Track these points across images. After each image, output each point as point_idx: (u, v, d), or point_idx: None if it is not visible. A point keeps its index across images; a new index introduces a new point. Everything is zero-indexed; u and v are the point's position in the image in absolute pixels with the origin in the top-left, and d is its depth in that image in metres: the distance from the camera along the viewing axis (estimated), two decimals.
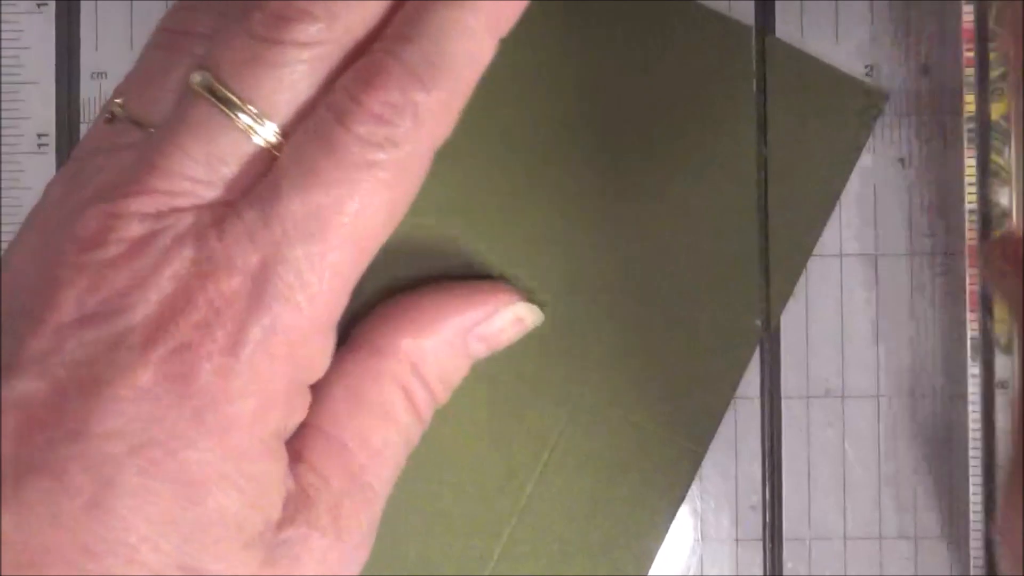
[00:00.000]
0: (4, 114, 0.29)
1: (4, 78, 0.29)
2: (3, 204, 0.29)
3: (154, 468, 0.21)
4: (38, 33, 0.29)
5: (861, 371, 0.29)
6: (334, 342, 0.23)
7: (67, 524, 0.21)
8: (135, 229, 0.22)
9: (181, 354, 0.21)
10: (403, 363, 0.26)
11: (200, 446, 0.21)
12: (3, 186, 0.29)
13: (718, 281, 0.28)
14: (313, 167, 0.22)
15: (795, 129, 0.29)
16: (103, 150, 0.24)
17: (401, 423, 0.25)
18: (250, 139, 0.22)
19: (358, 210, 0.22)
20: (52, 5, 0.29)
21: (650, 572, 0.29)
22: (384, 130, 0.22)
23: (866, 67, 0.29)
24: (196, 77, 0.23)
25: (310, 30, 0.22)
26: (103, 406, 0.21)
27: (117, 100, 0.25)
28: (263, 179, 0.23)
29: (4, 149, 0.29)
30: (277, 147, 0.23)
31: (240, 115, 0.22)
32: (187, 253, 0.22)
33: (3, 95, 0.29)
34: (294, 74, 0.23)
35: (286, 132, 0.23)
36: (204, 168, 0.22)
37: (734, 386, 0.29)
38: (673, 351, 0.28)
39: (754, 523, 0.29)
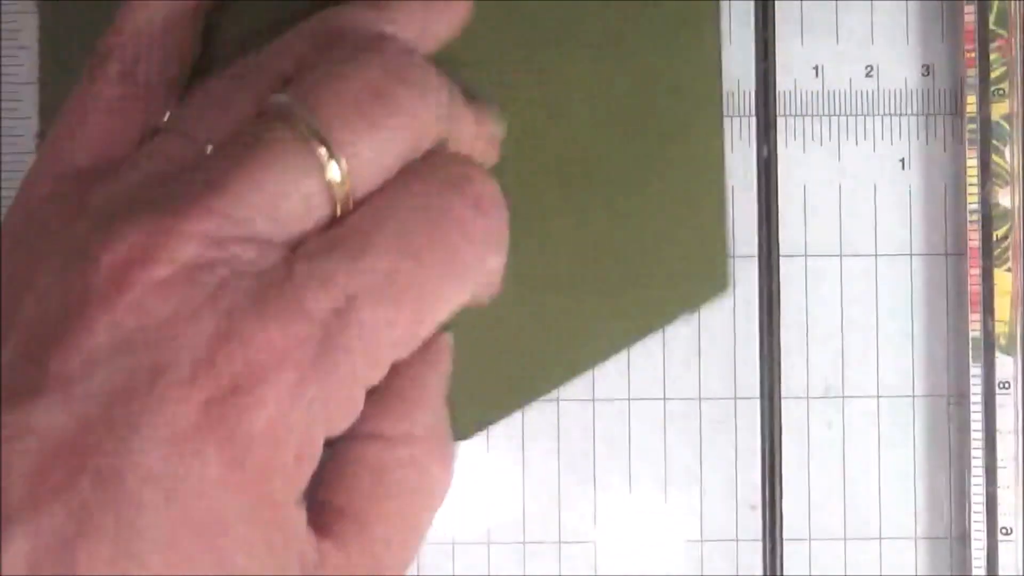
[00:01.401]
0: (4, 114, 0.29)
1: (4, 78, 0.29)
2: (2, 203, 0.29)
3: (186, 517, 0.19)
4: (38, 33, 0.29)
5: (861, 371, 0.29)
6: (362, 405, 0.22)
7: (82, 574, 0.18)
8: (189, 250, 0.20)
9: (231, 397, 0.20)
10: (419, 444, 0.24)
11: (236, 497, 0.20)
12: (2, 186, 0.29)
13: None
14: (415, 239, 0.22)
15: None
16: (145, 156, 0.23)
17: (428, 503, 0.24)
18: (324, 176, 0.21)
19: (440, 299, 0.22)
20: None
21: (650, 573, 0.29)
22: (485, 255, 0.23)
23: (867, 67, 0.29)
24: (281, 98, 0.22)
25: (416, 106, 0.22)
26: (137, 446, 0.19)
27: (166, 118, 0.24)
28: (351, 225, 0.22)
29: (4, 149, 0.29)
30: (344, 197, 0.22)
31: (320, 149, 0.21)
32: (249, 288, 0.20)
33: (3, 95, 0.29)
34: (385, 140, 0.22)
35: (356, 185, 0.22)
36: (272, 200, 0.21)
37: None
38: None
39: (754, 523, 0.29)
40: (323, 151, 0.21)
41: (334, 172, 0.21)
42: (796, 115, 0.29)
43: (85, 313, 0.20)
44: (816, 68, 0.29)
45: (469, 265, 0.23)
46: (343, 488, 0.24)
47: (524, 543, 0.29)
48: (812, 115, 0.29)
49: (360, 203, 0.22)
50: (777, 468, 0.29)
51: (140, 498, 0.19)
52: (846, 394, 0.29)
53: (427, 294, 0.22)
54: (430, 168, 0.23)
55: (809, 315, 0.29)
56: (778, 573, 0.29)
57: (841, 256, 0.29)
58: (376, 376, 0.22)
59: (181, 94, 0.25)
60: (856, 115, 0.29)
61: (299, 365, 0.20)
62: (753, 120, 0.29)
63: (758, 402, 0.29)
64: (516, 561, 0.29)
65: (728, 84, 0.29)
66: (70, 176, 0.24)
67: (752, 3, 0.29)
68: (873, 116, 0.29)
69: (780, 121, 0.29)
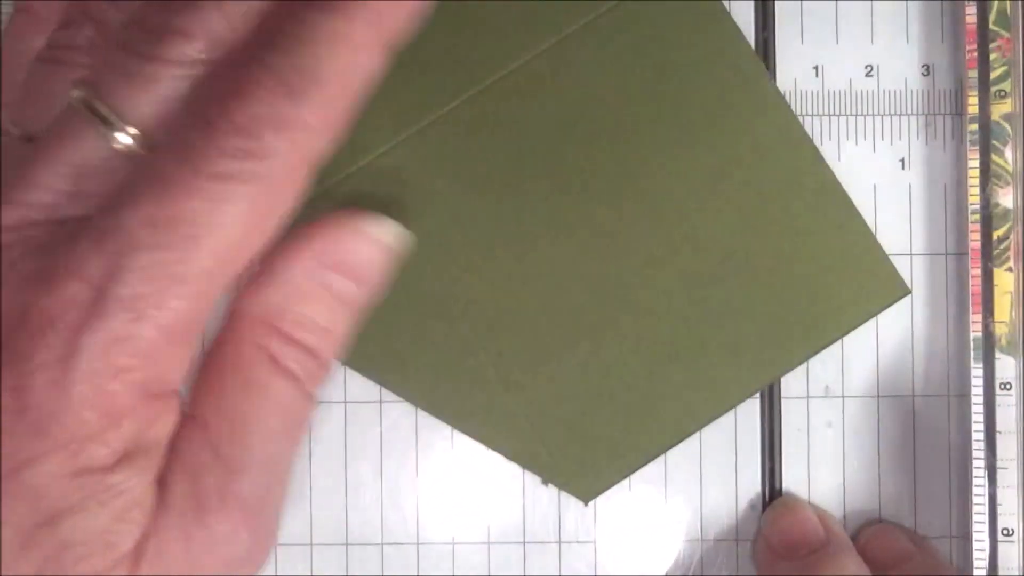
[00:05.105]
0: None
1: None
2: None
3: (5, 487, 0.20)
4: None
5: (861, 371, 0.29)
6: (193, 350, 0.22)
7: None
8: None
9: (15, 366, 0.20)
10: (256, 325, 0.23)
11: (48, 461, 0.20)
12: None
13: None
14: (170, 176, 0.21)
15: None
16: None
17: (269, 389, 0.23)
18: (113, 148, 0.22)
19: (214, 222, 0.21)
20: None
21: (650, 573, 0.29)
22: (248, 143, 0.21)
23: (866, 67, 0.29)
24: (75, 92, 0.22)
25: (185, 49, 0.22)
26: None
27: (5, 114, 0.24)
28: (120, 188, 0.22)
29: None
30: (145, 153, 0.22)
31: (109, 127, 0.22)
32: (31, 265, 0.21)
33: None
34: (167, 89, 0.22)
35: (154, 138, 0.22)
36: (68, 180, 0.22)
37: None
38: None
39: (754, 523, 0.29)
40: (102, 127, 0.22)
41: (123, 139, 0.22)
42: (796, 115, 0.29)
43: None
44: (816, 68, 0.29)
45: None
46: (193, 392, 0.23)
47: (524, 543, 0.29)
48: (812, 115, 0.29)
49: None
50: (777, 468, 0.29)
51: None
52: (846, 394, 0.29)
53: (209, 232, 0.21)
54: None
55: None
56: None
57: None
58: (182, 325, 0.21)
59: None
60: (856, 115, 0.29)
61: (70, 327, 0.20)
62: None
63: (758, 402, 0.29)
64: (516, 561, 0.29)
65: None
66: None
67: (752, 3, 0.29)
68: (873, 116, 0.29)
69: None
